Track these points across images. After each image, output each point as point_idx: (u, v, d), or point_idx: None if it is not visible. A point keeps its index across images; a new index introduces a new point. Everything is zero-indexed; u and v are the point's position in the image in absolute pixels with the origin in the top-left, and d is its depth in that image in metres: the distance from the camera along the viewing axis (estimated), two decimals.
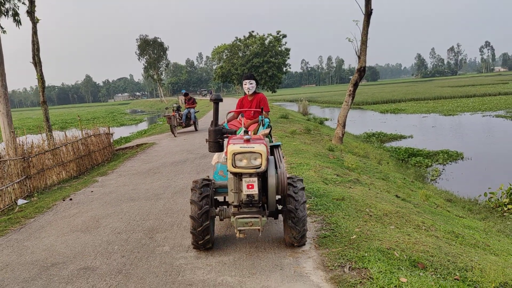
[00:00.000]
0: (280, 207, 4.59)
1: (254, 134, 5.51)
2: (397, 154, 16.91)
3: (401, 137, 22.14)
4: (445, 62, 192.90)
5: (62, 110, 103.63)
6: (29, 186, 9.01)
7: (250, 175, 3.99)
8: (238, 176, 4.07)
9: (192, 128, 18.88)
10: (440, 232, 5.49)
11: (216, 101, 4.36)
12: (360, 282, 3.58)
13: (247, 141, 4.05)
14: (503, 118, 26.89)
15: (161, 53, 79.23)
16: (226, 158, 4.07)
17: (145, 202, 6.93)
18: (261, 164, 3.92)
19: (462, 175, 13.94)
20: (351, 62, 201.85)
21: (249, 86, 6.08)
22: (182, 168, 9.81)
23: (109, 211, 6.55)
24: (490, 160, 15.91)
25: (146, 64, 79.54)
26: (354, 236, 4.63)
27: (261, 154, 3.91)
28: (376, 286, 3.48)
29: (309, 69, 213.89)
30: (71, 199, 7.73)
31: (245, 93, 6.36)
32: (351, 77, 15.63)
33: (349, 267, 3.87)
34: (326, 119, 32.71)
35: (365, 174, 9.53)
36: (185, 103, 18.55)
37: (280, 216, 4.66)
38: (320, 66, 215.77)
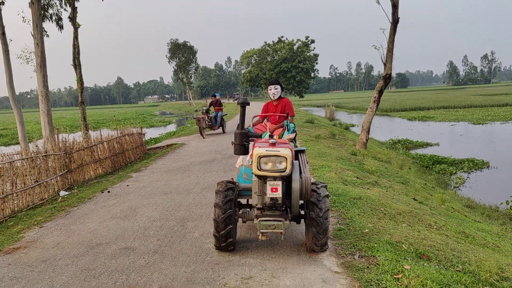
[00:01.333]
0: (303, 212, 4.60)
1: (279, 138, 5.69)
2: (421, 161, 17.01)
3: (427, 144, 22.12)
4: (478, 70, 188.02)
5: (94, 111, 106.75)
6: (70, 179, 9.78)
7: (275, 178, 4.03)
8: (263, 179, 4.13)
9: (220, 130, 19.46)
10: (450, 231, 5.83)
11: (243, 105, 4.61)
12: (367, 267, 4.02)
13: (273, 144, 4.10)
14: None
15: (191, 56, 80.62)
16: (251, 161, 4.30)
17: (176, 196, 7.53)
18: (286, 168, 3.96)
19: (486, 183, 14.00)
20: (380, 68, 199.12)
21: (274, 91, 6.26)
22: (210, 167, 10.40)
23: (144, 202, 7.18)
24: None
25: (176, 67, 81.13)
26: (367, 230, 5.06)
27: (286, 158, 3.96)
28: (381, 271, 3.91)
29: (338, 74, 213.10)
30: (109, 192, 8.42)
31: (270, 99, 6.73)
32: None
33: (359, 255, 4.32)
34: (353, 125, 32.78)
35: (384, 178, 9.87)
36: (212, 105, 18.79)
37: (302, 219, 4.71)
38: (348, 72, 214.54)
